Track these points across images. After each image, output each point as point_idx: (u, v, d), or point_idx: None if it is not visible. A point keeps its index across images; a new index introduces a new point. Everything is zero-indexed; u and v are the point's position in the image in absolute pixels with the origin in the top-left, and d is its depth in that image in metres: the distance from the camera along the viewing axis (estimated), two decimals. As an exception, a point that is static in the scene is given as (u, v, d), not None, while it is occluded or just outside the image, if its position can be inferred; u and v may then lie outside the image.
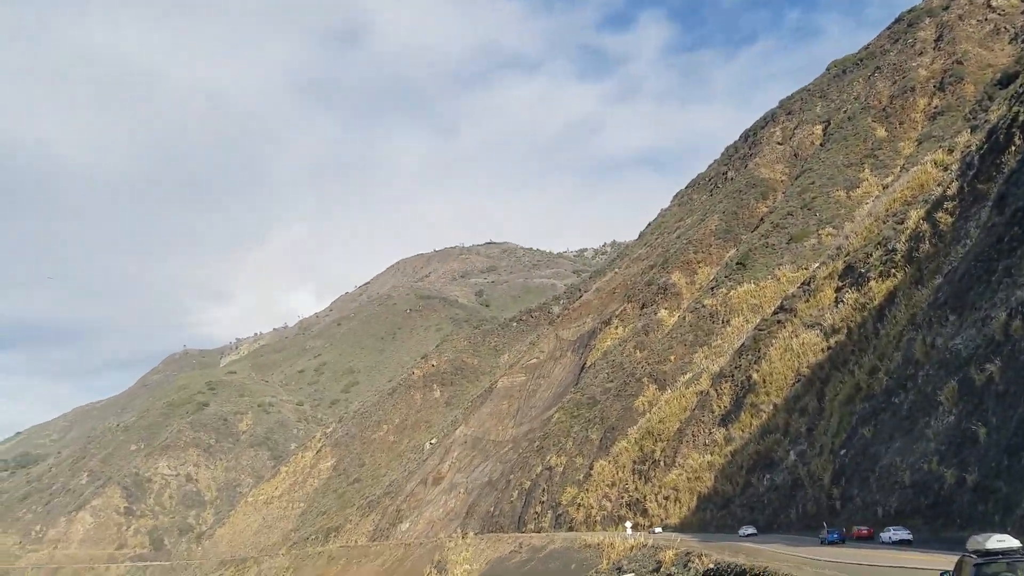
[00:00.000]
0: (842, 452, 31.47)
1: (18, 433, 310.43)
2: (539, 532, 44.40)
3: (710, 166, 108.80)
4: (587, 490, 44.15)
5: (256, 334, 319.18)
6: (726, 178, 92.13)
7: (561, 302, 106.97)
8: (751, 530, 32.54)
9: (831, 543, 25.68)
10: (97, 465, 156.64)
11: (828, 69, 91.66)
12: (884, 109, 66.57)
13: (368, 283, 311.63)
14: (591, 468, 45.13)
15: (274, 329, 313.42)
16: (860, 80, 78.55)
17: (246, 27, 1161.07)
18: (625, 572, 30.47)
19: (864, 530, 26.46)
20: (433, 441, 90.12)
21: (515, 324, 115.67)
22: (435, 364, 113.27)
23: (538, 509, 48.42)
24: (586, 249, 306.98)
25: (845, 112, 73.92)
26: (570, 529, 42.51)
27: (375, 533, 73.18)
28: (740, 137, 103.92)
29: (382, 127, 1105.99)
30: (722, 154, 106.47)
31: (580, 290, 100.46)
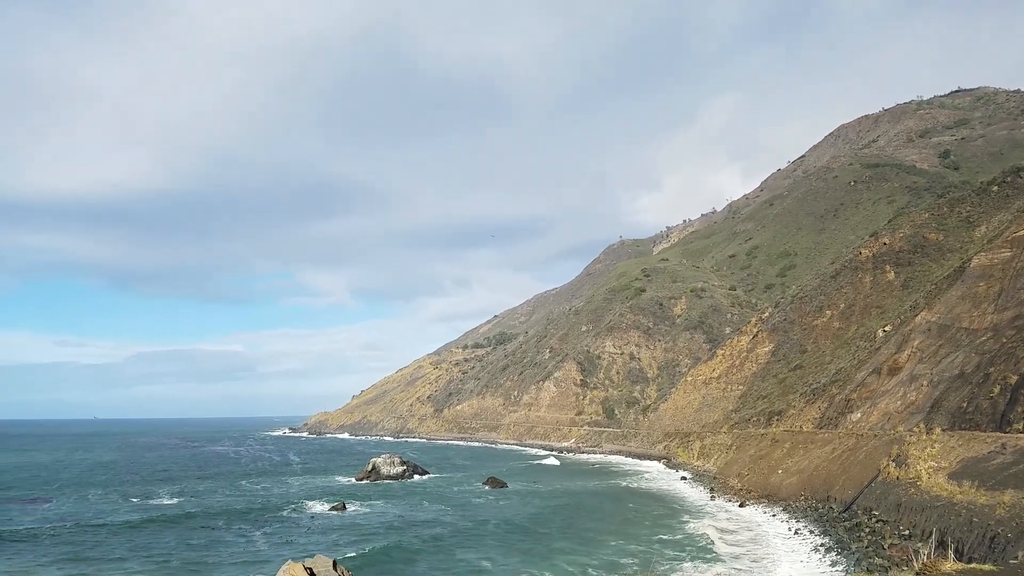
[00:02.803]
0: None
1: (495, 316, 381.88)
2: (1031, 434, 38.33)
3: None
4: (1104, 388, 36.23)
5: (685, 221, 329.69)
6: None
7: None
8: None
9: None
10: (556, 343, 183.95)
11: None
12: None
13: (803, 156, 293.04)
14: (1111, 361, 36.73)
15: (702, 215, 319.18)
16: None
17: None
18: None
19: None
20: (887, 328, 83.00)
21: (996, 188, 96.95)
22: (887, 242, 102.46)
23: (1029, 408, 41.55)
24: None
25: None
26: (1077, 433, 35.74)
27: (821, 421, 71.77)
28: None
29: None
30: None
31: (1096, 137, 79.07)
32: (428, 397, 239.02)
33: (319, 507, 66.57)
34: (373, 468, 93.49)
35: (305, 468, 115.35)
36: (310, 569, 6.52)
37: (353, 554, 42.19)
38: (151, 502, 73.14)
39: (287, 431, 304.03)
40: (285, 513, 63.40)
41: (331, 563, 6.91)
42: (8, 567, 40.34)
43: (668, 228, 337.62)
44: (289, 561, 6.66)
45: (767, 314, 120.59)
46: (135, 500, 74.51)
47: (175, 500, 74.62)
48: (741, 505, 60.64)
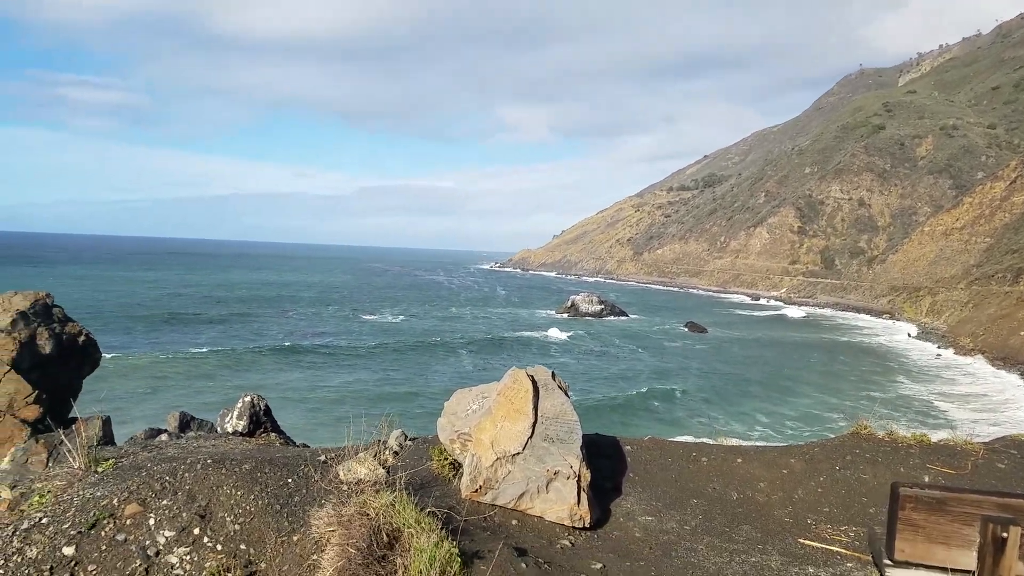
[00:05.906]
0: None
1: (705, 156, 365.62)
2: None
3: None
4: None
5: (941, 46, 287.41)
6: None
7: None
8: None
9: None
10: (773, 187, 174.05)
11: None
12: None
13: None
14: None
15: (964, 39, 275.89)
16: None
17: None
18: None
19: None
20: None
21: None
22: None
23: None
24: None
25: None
26: None
27: (1086, 282, 63.51)
28: None
29: None
30: None
31: None
32: (628, 240, 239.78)
33: (524, 334, 71.58)
34: (572, 305, 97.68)
35: (510, 300, 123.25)
36: (532, 376, 7.45)
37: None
38: (378, 320, 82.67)
39: (494, 265, 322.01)
40: (493, 337, 69.04)
41: (550, 373, 7.81)
42: (261, 374, 48.24)
43: (919, 55, 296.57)
44: (514, 368, 7.62)
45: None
46: (364, 317, 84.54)
47: (399, 319, 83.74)
48: (973, 365, 56.68)
